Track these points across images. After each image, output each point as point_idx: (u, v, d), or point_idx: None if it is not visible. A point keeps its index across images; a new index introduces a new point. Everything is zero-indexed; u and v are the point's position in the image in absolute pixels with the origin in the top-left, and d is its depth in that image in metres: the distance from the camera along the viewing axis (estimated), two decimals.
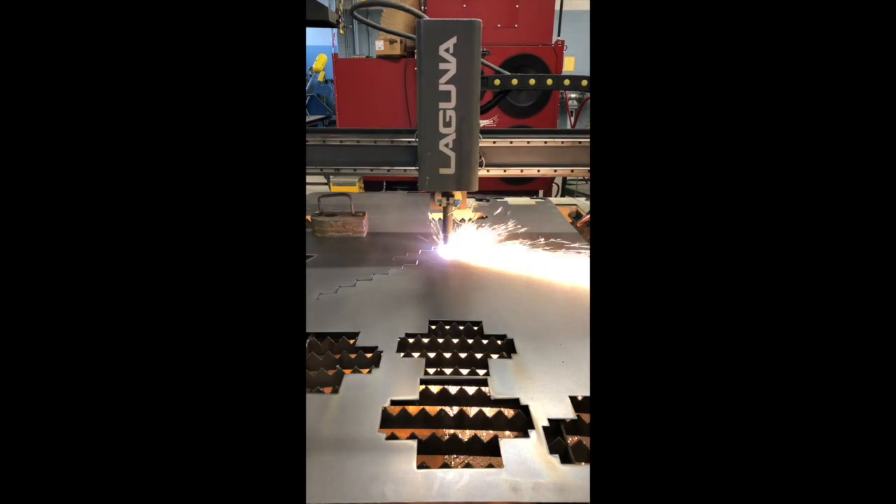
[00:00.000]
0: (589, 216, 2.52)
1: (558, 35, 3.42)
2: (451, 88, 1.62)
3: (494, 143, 1.96)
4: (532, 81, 1.87)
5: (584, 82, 1.82)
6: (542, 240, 2.02)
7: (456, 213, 1.93)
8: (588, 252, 1.86)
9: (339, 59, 3.69)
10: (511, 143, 1.96)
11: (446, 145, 1.69)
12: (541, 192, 3.30)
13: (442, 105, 1.64)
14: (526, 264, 1.84)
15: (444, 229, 1.96)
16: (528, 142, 1.94)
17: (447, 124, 1.66)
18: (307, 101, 8.15)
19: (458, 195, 1.84)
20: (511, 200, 2.79)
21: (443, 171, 1.72)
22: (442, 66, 1.60)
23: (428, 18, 1.62)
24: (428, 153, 1.71)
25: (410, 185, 3.37)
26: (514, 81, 1.86)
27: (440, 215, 1.92)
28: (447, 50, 1.58)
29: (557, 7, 3.51)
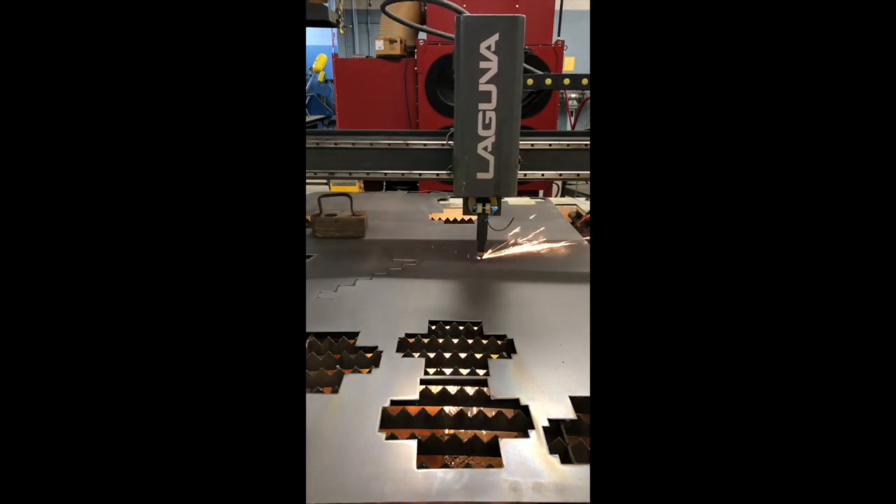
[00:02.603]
0: (589, 216, 2.52)
1: (558, 35, 3.42)
2: (492, 88, 1.52)
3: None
4: (567, 81, 1.77)
5: None
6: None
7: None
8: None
9: (339, 59, 3.69)
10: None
11: (485, 148, 1.60)
12: (541, 193, 3.30)
13: (482, 106, 1.55)
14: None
15: (480, 238, 1.86)
16: (532, 144, 1.86)
17: (486, 126, 1.57)
18: (307, 101, 8.15)
19: (494, 202, 1.71)
20: (511, 201, 2.79)
21: (480, 176, 1.63)
22: (483, 64, 1.50)
23: (468, 14, 1.51)
24: (465, 157, 1.61)
25: (410, 186, 3.37)
26: (548, 81, 1.75)
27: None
28: (489, 47, 1.48)
29: (557, 7, 3.51)
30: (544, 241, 2.06)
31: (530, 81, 1.74)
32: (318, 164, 1.86)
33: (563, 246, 2.05)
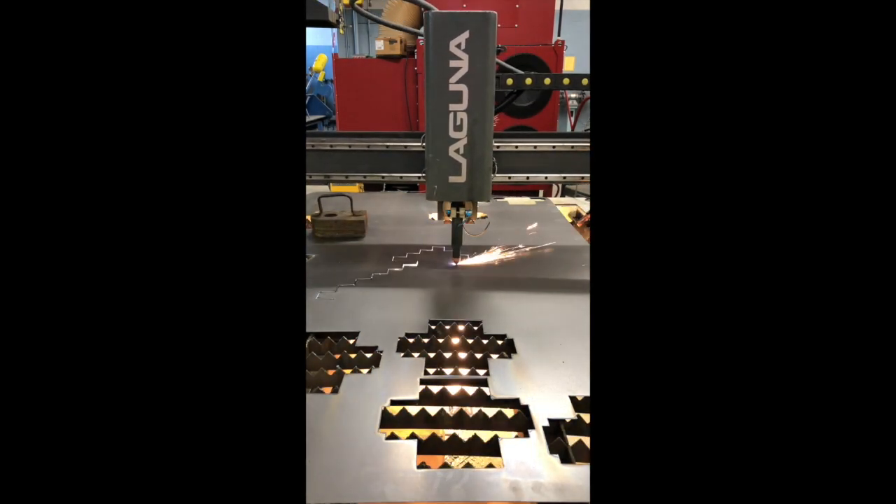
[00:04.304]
0: (589, 216, 2.52)
1: (558, 35, 3.42)
2: (463, 88, 1.46)
3: (498, 147, 1.76)
4: (547, 81, 1.71)
5: None
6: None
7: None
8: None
9: (339, 59, 3.69)
10: (517, 147, 1.79)
11: (457, 151, 1.53)
12: (541, 193, 3.30)
13: (452, 107, 1.48)
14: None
15: (455, 244, 1.80)
16: (535, 146, 1.79)
17: (458, 128, 1.50)
18: (307, 101, 8.15)
19: (469, 206, 1.66)
20: (511, 201, 2.79)
21: (453, 179, 1.56)
22: (453, 63, 1.43)
23: (437, 10, 1.45)
24: (436, 160, 1.54)
25: (410, 186, 3.37)
26: (528, 81, 1.69)
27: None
28: (458, 45, 1.42)
29: (557, 7, 3.51)
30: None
31: (510, 81, 1.69)
32: (313, 167, 1.80)
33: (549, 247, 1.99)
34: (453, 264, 1.86)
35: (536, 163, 1.81)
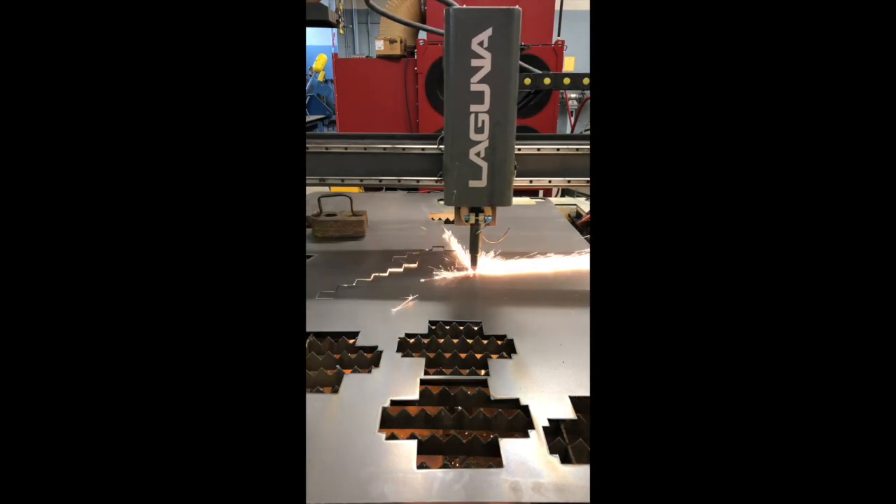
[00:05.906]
0: (589, 216, 2.52)
1: (558, 35, 3.42)
2: (485, 88, 1.39)
3: None
4: (567, 80, 1.66)
5: None
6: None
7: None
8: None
9: (339, 59, 3.69)
10: (518, 150, 1.71)
11: (477, 154, 1.47)
12: (541, 193, 3.30)
13: (473, 108, 1.42)
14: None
15: (473, 251, 1.73)
16: (539, 149, 1.73)
17: (479, 130, 1.44)
18: (307, 101, 8.15)
19: (489, 211, 1.59)
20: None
21: (473, 183, 1.50)
22: (475, 62, 1.37)
23: (458, 7, 1.38)
24: (456, 163, 1.48)
25: (410, 186, 3.37)
26: (547, 81, 1.63)
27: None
28: (481, 43, 1.35)
29: (557, 7, 3.51)
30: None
31: (528, 81, 1.64)
32: (308, 170, 1.72)
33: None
34: (472, 272, 1.78)
35: (539, 165, 1.77)
